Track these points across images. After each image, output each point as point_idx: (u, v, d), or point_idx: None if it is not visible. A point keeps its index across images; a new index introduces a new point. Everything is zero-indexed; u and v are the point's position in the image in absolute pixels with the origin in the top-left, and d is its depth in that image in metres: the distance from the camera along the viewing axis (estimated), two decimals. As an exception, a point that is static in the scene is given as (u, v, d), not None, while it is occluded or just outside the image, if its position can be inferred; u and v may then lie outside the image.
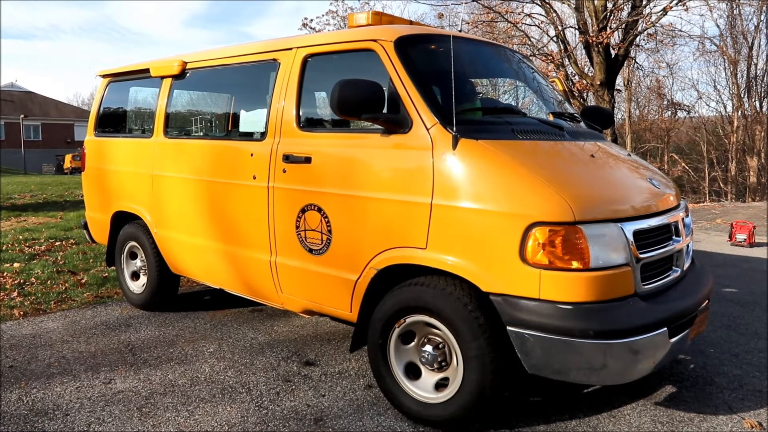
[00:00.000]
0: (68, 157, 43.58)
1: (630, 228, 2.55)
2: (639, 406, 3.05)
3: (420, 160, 2.73)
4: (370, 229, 2.92)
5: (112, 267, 5.05)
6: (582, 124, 3.56)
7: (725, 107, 29.35)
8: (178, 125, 4.31)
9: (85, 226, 5.31)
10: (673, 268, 2.90)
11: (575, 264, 2.39)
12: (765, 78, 27.48)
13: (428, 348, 2.81)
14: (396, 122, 2.83)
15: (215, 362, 3.63)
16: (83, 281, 5.59)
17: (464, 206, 2.57)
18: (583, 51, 16.01)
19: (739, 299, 5.06)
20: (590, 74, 14.95)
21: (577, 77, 16.08)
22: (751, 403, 3.10)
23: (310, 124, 3.39)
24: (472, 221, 2.55)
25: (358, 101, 2.72)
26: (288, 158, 3.28)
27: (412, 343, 2.89)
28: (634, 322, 2.46)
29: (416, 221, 2.72)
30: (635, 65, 20.30)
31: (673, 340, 2.60)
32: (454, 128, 2.65)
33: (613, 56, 14.10)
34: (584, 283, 2.40)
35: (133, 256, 4.80)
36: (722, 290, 5.35)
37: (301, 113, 3.33)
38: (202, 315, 4.58)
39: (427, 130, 2.73)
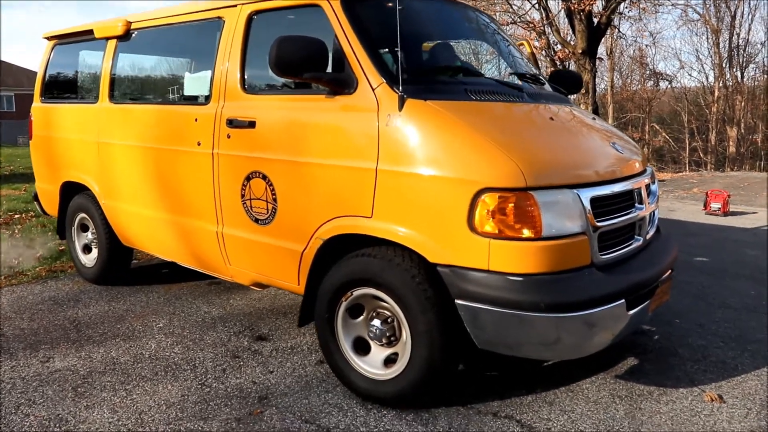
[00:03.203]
0: (44, 129, 42.51)
1: (587, 195, 2.39)
2: (598, 380, 2.95)
3: (365, 122, 2.54)
4: (315, 197, 2.75)
5: (65, 240, 4.83)
6: (546, 86, 3.38)
7: (707, 77, 29.35)
8: (123, 90, 4.06)
9: (36, 198, 5.08)
10: (636, 237, 2.77)
11: (526, 233, 2.24)
12: (746, 48, 27.44)
13: (377, 322, 2.66)
14: (340, 82, 2.63)
15: (163, 338, 3.46)
16: (38, 255, 5.37)
17: (409, 171, 2.39)
18: (566, 19, 15.75)
19: (710, 269, 4.98)
20: (572, 43, 14.73)
21: (558, 46, 15.85)
22: (713, 375, 3.01)
23: (256, 86, 3.17)
24: (418, 188, 2.38)
25: (298, 59, 2.51)
26: (232, 123, 3.07)
27: (361, 318, 2.74)
28: (589, 294, 2.33)
29: (361, 188, 2.54)
30: (618, 34, 20.12)
31: (632, 312, 2.48)
32: (400, 88, 2.46)
33: (595, 24, 13.89)
34: (535, 253, 2.25)
35: (84, 228, 4.59)
36: (693, 259, 5.27)
37: (246, 75, 3.11)
38: (157, 289, 4.40)
39: (373, 90, 2.53)
